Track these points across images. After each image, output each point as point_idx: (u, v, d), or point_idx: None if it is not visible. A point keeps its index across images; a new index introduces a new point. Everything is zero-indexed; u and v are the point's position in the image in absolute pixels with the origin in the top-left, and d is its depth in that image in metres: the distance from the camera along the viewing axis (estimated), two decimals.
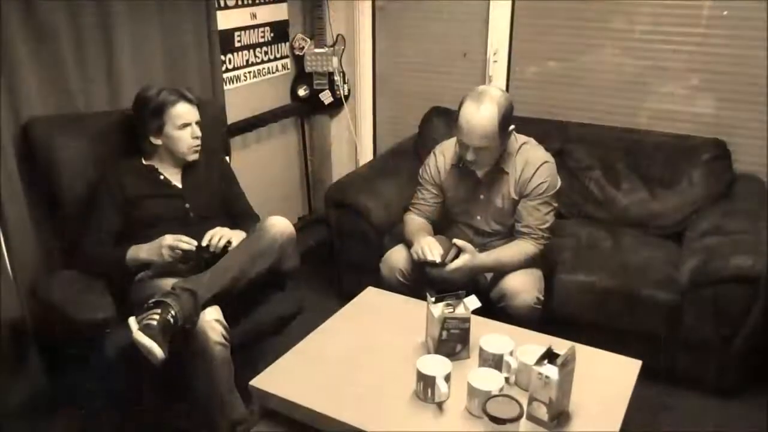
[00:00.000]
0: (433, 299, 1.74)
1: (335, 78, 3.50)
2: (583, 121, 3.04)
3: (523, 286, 2.13)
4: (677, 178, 2.71)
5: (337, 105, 3.58)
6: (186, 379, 1.87)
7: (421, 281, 2.21)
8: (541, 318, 2.21)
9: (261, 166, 3.44)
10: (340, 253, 2.87)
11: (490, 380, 1.54)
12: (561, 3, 3.00)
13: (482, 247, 2.32)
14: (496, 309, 2.17)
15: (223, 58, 3.02)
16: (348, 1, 3.45)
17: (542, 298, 2.18)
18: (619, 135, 2.88)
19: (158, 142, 2.19)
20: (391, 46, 3.53)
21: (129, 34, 2.49)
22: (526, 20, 3.14)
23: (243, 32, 3.16)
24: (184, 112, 2.19)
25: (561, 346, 1.54)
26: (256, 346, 2.15)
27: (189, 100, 2.21)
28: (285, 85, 3.54)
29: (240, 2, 3.09)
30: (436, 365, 1.59)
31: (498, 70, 3.23)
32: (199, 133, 2.24)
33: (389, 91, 3.62)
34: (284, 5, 3.40)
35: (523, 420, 1.52)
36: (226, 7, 3.01)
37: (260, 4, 3.22)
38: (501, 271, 2.19)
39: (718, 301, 2.21)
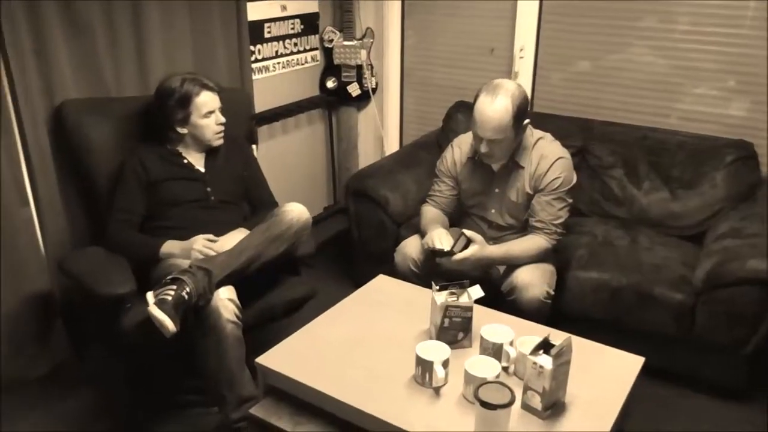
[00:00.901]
0: (437, 287, 1.77)
1: (363, 71, 3.55)
2: (610, 119, 3.02)
3: (533, 280, 2.15)
4: (700, 179, 2.67)
5: (364, 97, 3.63)
6: (198, 355, 1.94)
7: (432, 271, 2.24)
8: (552, 313, 2.22)
9: (288, 156, 3.51)
10: (358, 242, 2.91)
11: (487, 368, 1.57)
12: (589, 1, 2.99)
13: (496, 241, 2.34)
14: (506, 301, 2.20)
15: (252, 48, 3.09)
16: None
17: (552, 292, 2.19)
18: (643, 134, 2.85)
19: (184, 131, 2.27)
20: (419, 40, 3.56)
21: (159, 23, 2.57)
22: (553, 17, 3.13)
23: (273, 24, 3.22)
24: (208, 100, 2.26)
25: (562, 338, 1.56)
26: (269, 327, 2.21)
27: (211, 89, 2.28)
28: (314, 76, 3.59)
29: None
30: (435, 351, 1.63)
31: (524, 66, 3.23)
32: (222, 119, 2.31)
33: (416, 85, 3.65)
34: None
35: (518, 409, 1.55)
36: None
37: None
38: (511, 263, 2.21)
39: (732, 303, 2.19)
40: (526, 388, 1.53)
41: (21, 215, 2.27)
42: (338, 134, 3.82)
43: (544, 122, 2.96)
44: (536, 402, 1.52)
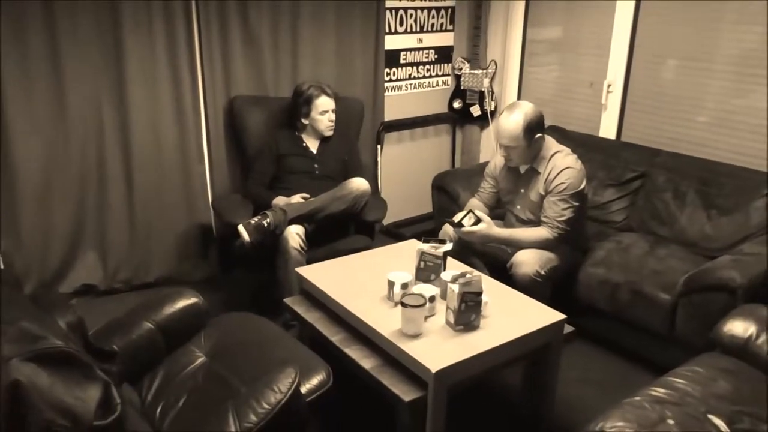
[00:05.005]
0: (423, 240, 2.45)
1: (485, 95, 4.23)
2: (685, 152, 3.34)
3: (528, 260, 2.68)
4: (737, 208, 2.92)
5: (484, 118, 4.31)
6: (274, 270, 2.84)
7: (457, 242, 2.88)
8: (567, 301, 2.64)
9: (414, 160, 4.32)
10: (438, 229, 3.61)
11: (427, 291, 2.22)
12: (679, 40, 3.37)
13: None
14: (508, 276, 2.76)
15: (387, 70, 3.98)
16: (504, 33, 4.16)
17: (543, 273, 2.68)
18: (701, 165, 3.16)
19: (306, 122, 3.22)
20: (534, 72, 4.15)
21: (311, 45, 3.57)
22: (642, 57, 3.54)
23: (408, 52, 4.08)
24: (324, 102, 3.18)
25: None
26: None
27: (328, 94, 3.20)
28: (443, 97, 4.37)
29: (408, 29, 4.01)
30: (401, 278, 2.31)
31: (612, 99, 3.67)
32: (333, 118, 3.22)
33: None
34: (452, 34, 4.25)
35: (443, 323, 2.18)
36: (396, 33, 3.96)
37: (427, 32, 4.11)
38: (514, 246, 2.77)
39: (705, 307, 2.49)
40: (447, 308, 2.16)
41: (198, 169, 3.41)
42: (462, 147, 4.54)
43: (620, 150, 3.44)
44: (451, 317, 2.14)
